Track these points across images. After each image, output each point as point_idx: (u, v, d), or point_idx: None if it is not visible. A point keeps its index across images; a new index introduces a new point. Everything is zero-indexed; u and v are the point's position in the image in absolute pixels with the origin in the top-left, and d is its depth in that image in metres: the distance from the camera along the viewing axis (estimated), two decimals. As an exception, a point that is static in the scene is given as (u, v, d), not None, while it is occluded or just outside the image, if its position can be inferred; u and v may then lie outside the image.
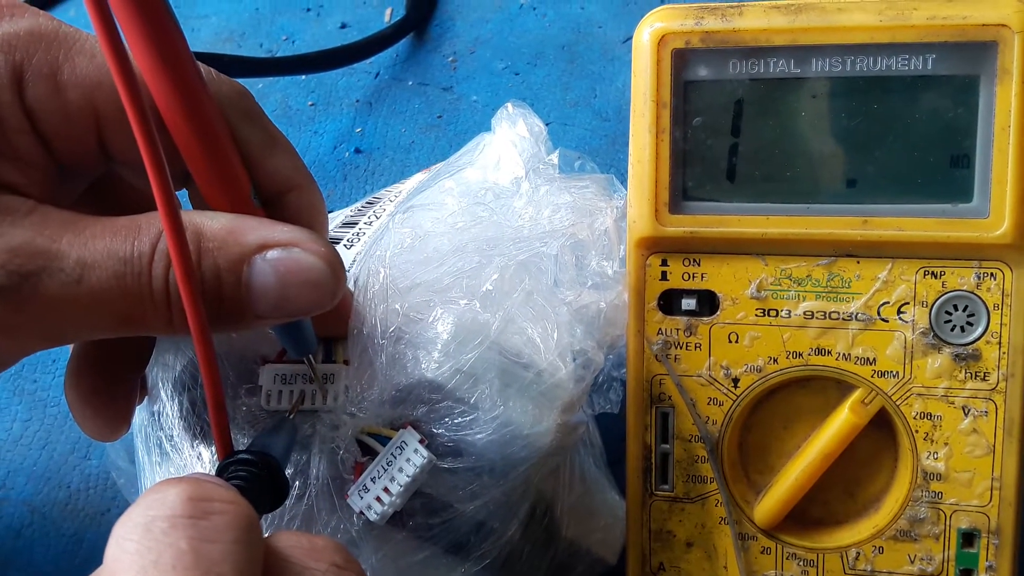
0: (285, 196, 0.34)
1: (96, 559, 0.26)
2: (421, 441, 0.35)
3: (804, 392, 0.40)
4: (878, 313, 0.38)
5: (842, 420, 0.39)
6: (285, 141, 0.34)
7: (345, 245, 0.40)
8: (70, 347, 0.38)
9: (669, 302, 0.40)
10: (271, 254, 0.31)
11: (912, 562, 0.39)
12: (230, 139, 0.32)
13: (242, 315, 0.31)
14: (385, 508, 0.34)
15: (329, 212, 0.45)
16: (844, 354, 0.39)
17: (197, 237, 0.30)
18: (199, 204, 0.33)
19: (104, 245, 0.30)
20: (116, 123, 0.31)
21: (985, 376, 0.38)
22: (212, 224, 0.31)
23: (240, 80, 0.34)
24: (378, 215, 0.42)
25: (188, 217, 0.30)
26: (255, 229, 0.31)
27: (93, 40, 0.31)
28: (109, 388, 0.37)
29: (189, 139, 0.30)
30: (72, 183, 0.34)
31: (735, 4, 0.38)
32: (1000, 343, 0.37)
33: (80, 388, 0.36)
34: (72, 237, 0.30)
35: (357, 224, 0.42)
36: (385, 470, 0.34)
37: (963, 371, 0.38)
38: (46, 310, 0.29)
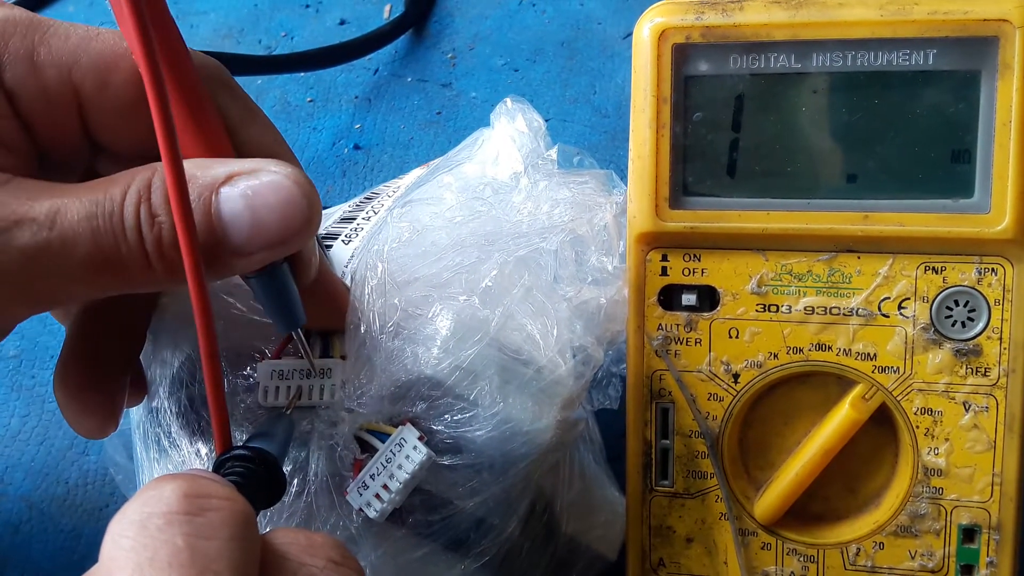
0: None
1: (94, 555, 0.26)
2: (420, 438, 0.35)
3: (804, 388, 0.40)
4: (879, 308, 0.38)
5: (843, 416, 0.39)
6: (264, 116, 0.34)
7: (343, 240, 0.40)
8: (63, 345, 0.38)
9: (669, 297, 0.40)
10: (239, 181, 0.30)
11: (913, 558, 0.39)
12: (210, 100, 0.32)
13: (219, 251, 0.30)
14: (384, 505, 0.34)
15: (327, 208, 0.44)
16: (845, 350, 0.39)
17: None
18: None
19: (76, 194, 0.30)
20: (96, 102, 0.32)
21: (986, 372, 0.38)
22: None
23: (239, 78, 0.35)
24: (376, 210, 0.42)
25: (157, 165, 0.30)
26: (223, 163, 0.31)
27: (67, 25, 0.32)
28: (98, 384, 0.36)
29: (176, 104, 0.30)
30: (57, 176, 0.34)
31: (735, -1, 0.38)
32: (1001, 339, 0.37)
33: (68, 384, 0.36)
34: (48, 196, 0.29)
35: (355, 219, 0.42)
36: (384, 467, 0.34)
37: (964, 367, 0.38)
38: (20, 262, 0.29)
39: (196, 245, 0.29)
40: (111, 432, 0.37)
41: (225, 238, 0.30)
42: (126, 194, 0.29)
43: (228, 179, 0.30)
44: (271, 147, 0.34)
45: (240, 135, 0.33)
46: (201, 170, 0.30)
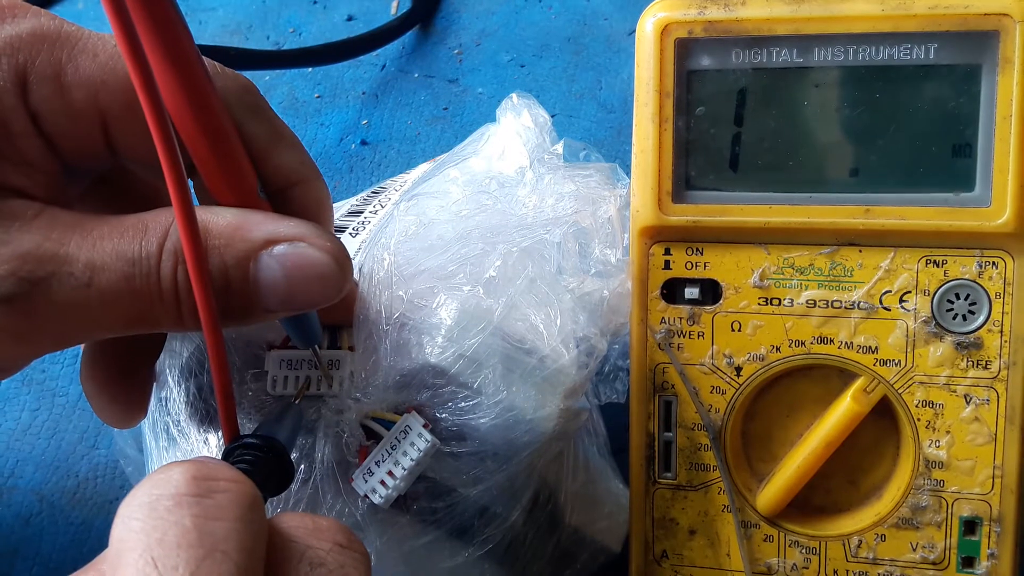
0: (291, 190, 0.34)
1: (104, 547, 0.26)
2: (425, 426, 0.35)
3: (806, 380, 0.40)
4: (880, 302, 0.39)
5: (844, 408, 0.39)
6: (291, 135, 0.34)
7: (350, 234, 0.41)
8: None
9: (672, 291, 0.40)
10: (277, 249, 0.31)
11: (914, 550, 0.39)
12: (236, 134, 0.32)
13: (251, 310, 0.31)
14: (389, 492, 0.35)
15: (334, 203, 0.45)
16: (846, 342, 0.39)
17: (204, 234, 0.30)
18: (204, 197, 0.33)
19: (112, 246, 0.30)
20: (122, 121, 0.31)
21: (987, 364, 0.38)
22: (218, 221, 0.31)
23: (246, 73, 0.34)
24: (383, 204, 0.43)
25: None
26: (261, 224, 0.31)
27: (95, 38, 0.31)
28: (125, 376, 0.37)
29: (196, 135, 0.30)
30: (77, 180, 0.34)
31: (738, -7, 0.38)
32: (1002, 331, 0.38)
33: (97, 378, 0.36)
34: (80, 239, 0.30)
35: (362, 213, 0.42)
36: (389, 454, 0.35)
37: (965, 359, 0.38)
38: (57, 315, 0.29)
39: (212, 306, 0.30)
40: (141, 420, 0.38)
41: (259, 300, 0.31)
42: (161, 257, 0.30)
43: (267, 245, 0.31)
44: (297, 170, 0.34)
45: (268, 160, 0.33)
46: (240, 232, 0.31)
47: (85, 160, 0.33)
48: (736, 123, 0.39)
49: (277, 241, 0.31)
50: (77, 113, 0.31)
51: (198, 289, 0.29)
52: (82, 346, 0.37)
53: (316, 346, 0.36)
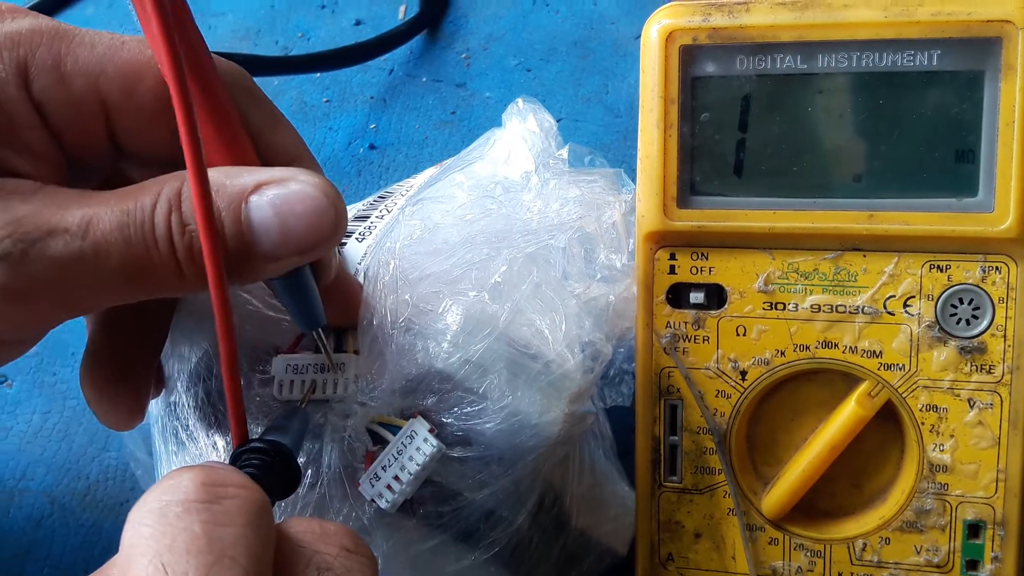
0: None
1: (115, 549, 0.26)
2: (431, 430, 0.35)
3: (811, 384, 0.40)
4: (884, 306, 0.39)
5: (849, 412, 0.39)
6: (285, 119, 0.35)
7: (357, 238, 0.41)
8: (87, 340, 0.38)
9: (677, 295, 0.41)
10: (267, 191, 0.31)
11: (918, 553, 0.40)
12: (238, 114, 0.33)
13: (248, 257, 0.31)
14: (396, 496, 0.35)
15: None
16: (851, 347, 0.39)
17: None
18: None
19: (109, 203, 0.30)
20: (122, 109, 0.32)
21: (990, 369, 0.38)
22: (210, 173, 0.31)
23: (257, 79, 0.35)
24: (389, 209, 0.43)
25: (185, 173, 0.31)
26: (251, 172, 0.31)
27: (92, 34, 0.32)
28: (124, 377, 0.37)
29: (203, 114, 0.31)
30: (83, 181, 0.35)
31: (742, 1, 0.39)
32: (1005, 336, 0.38)
33: (95, 378, 0.37)
34: (78, 205, 0.30)
35: (369, 218, 0.43)
36: (395, 459, 0.35)
37: (968, 364, 0.38)
38: (55, 271, 0.30)
39: (220, 253, 0.30)
40: (137, 424, 0.38)
41: (254, 245, 0.31)
42: (156, 204, 0.30)
43: (257, 188, 0.31)
44: (294, 151, 0.35)
45: (264, 140, 0.34)
46: (230, 179, 0.31)
47: (88, 153, 0.33)
48: (740, 129, 0.39)
49: (266, 183, 0.31)
50: (78, 101, 0.32)
51: (205, 238, 0.29)
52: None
53: (320, 331, 0.35)
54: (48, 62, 0.31)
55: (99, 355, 0.37)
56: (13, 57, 0.31)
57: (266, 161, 0.34)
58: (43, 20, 0.32)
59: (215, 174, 0.31)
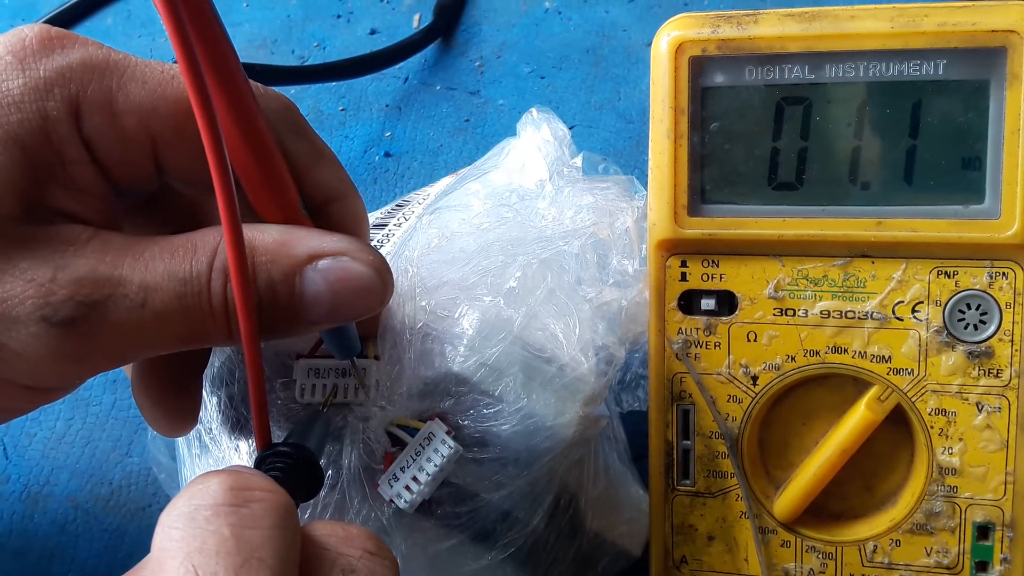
0: (330, 205, 0.35)
1: (138, 553, 0.27)
2: (448, 432, 0.35)
3: (822, 389, 0.41)
4: (893, 312, 0.39)
5: (859, 416, 0.40)
6: (330, 152, 0.35)
7: (376, 246, 0.42)
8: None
9: (689, 302, 0.41)
10: (322, 264, 0.32)
11: (928, 555, 0.40)
12: (279, 153, 0.33)
13: (296, 322, 0.32)
14: (414, 497, 0.35)
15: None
16: (860, 352, 0.40)
17: (250, 251, 0.31)
18: (248, 214, 0.34)
19: (164, 267, 0.31)
20: (171, 145, 0.32)
21: (998, 373, 0.38)
22: (264, 238, 0.32)
23: (272, 87, 0.35)
24: (407, 217, 0.44)
25: None
26: (305, 240, 0.32)
27: (143, 65, 0.32)
28: (176, 389, 0.37)
29: (242, 154, 0.31)
30: (126, 199, 0.35)
31: (751, 12, 0.39)
32: (1012, 341, 0.38)
33: (149, 392, 0.37)
34: (132, 261, 0.30)
35: (387, 226, 0.43)
36: (414, 460, 0.35)
37: (976, 368, 0.39)
38: (113, 335, 0.30)
39: (254, 321, 0.31)
40: (192, 428, 0.39)
41: (304, 313, 0.32)
42: (211, 273, 0.31)
43: (311, 260, 0.32)
44: (337, 187, 0.35)
45: (308, 177, 0.34)
46: (286, 248, 0.31)
47: (135, 183, 0.33)
48: (750, 138, 0.39)
49: (321, 256, 0.32)
50: (129, 139, 0.32)
51: (241, 305, 0.30)
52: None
53: (353, 357, 0.36)
54: (100, 100, 0.31)
55: (151, 369, 0.37)
56: (65, 95, 0.31)
57: (307, 196, 0.34)
58: (92, 49, 0.32)
59: (268, 238, 0.31)
